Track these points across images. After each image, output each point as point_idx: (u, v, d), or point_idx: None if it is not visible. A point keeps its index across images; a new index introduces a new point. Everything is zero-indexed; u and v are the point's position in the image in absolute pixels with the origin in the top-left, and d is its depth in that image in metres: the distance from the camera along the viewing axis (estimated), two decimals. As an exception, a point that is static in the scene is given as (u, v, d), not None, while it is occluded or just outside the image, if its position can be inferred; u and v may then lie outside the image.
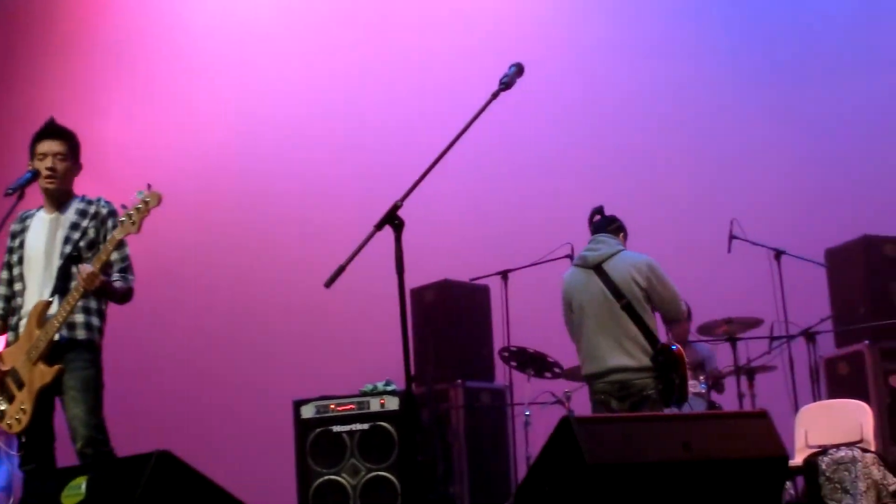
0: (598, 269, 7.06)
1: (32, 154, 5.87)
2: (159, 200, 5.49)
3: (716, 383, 8.63)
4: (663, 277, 7.08)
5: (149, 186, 5.51)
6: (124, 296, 5.81)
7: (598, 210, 7.42)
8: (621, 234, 7.34)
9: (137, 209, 5.48)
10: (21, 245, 5.86)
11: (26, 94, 10.80)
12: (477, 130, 4.70)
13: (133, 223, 5.49)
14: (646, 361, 6.88)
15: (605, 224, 7.34)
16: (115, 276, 5.71)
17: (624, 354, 6.92)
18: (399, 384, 7.21)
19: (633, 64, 10.39)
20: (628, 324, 6.94)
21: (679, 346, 6.96)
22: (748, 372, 8.32)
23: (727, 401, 8.58)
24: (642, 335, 6.92)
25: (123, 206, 5.53)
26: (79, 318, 5.65)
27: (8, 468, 8.23)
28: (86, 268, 5.52)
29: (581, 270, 7.16)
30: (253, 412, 9.62)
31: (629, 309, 6.94)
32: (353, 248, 4.39)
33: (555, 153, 10.25)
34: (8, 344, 5.81)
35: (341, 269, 4.37)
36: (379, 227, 4.43)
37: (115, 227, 5.80)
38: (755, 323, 8.38)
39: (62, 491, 4.87)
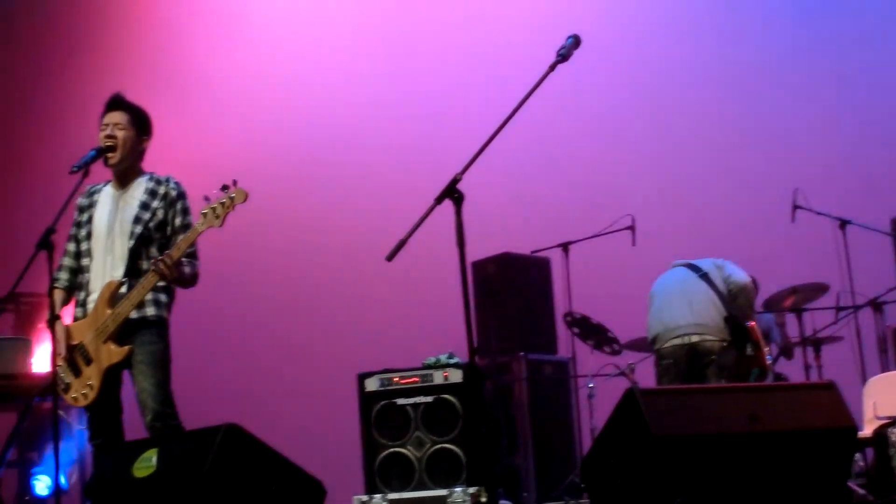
0: (682, 263, 7.56)
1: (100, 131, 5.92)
2: (245, 197, 5.50)
3: (785, 351, 8.57)
4: (735, 265, 7.44)
5: (234, 182, 5.53)
6: (191, 281, 5.84)
7: None
8: None
9: (222, 204, 5.50)
10: (89, 220, 5.88)
11: (91, 85, 10.87)
12: (536, 101, 4.68)
13: (217, 217, 5.51)
14: (721, 324, 7.02)
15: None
16: (183, 261, 5.71)
17: (696, 314, 7.10)
18: (462, 357, 7.23)
19: (693, 34, 10.29)
20: (705, 289, 7.18)
21: (752, 323, 7.16)
22: (815, 343, 8.25)
23: (794, 372, 8.52)
24: (719, 300, 7.10)
25: (206, 199, 5.54)
26: (147, 295, 5.67)
27: (76, 442, 8.34)
28: (168, 258, 5.55)
29: (668, 271, 7.66)
30: (318, 385, 9.68)
31: (706, 279, 7.20)
32: (414, 222, 4.40)
33: (615, 125, 10.19)
34: (75, 318, 5.86)
35: (402, 243, 4.37)
36: (439, 200, 4.43)
37: (184, 209, 5.86)
38: (821, 289, 8.30)
39: (133, 464, 4.94)
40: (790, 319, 8.46)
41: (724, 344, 7.05)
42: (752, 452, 4.56)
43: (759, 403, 4.69)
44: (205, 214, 5.53)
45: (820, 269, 8.44)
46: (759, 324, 8.73)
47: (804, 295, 8.32)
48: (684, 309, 7.22)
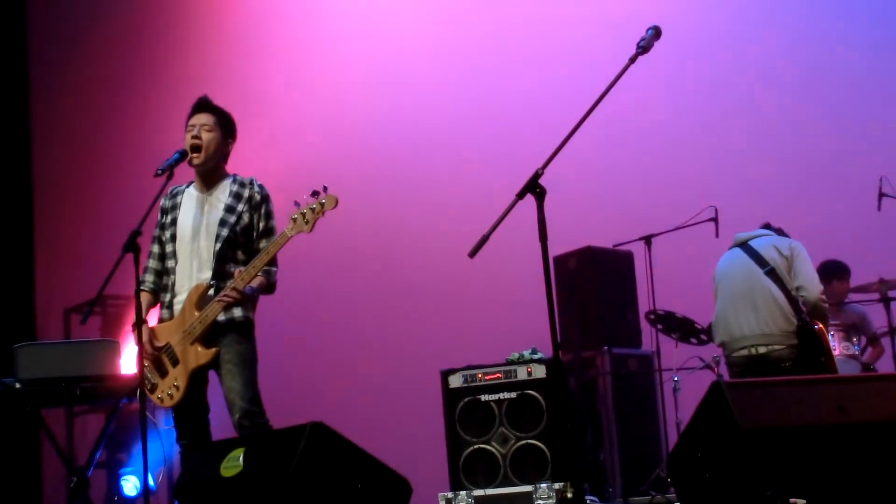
0: (744, 245, 7.21)
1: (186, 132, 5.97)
2: (336, 204, 5.55)
3: (872, 342, 8.48)
4: (806, 257, 7.07)
5: (325, 188, 5.57)
6: (264, 291, 5.87)
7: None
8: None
9: (312, 209, 5.55)
10: (173, 222, 5.93)
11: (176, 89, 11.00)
12: (617, 94, 4.65)
13: (307, 222, 5.56)
14: (788, 328, 6.78)
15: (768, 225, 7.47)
16: (263, 270, 5.74)
17: (762, 321, 6.84)
18: (545, 352, 7.21)
19: (770, 25, 10.17)
20: (772, 289, 6.88)
21: (821, 326, 6.85)
22: (901, 333, 8.15)
23: (882, 363, 8.42)
24: (787, 301, 6.82)
25: (296, 204, 5.59)
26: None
27: (164, 443, 8.44)
28: (237, 281, 5.61)
29: (730, 251, 7.34)
30: (402, 382, 9.71)
31: (773, 275, 6.90)
32: (496, 218, 4.40)
33: (696, 116, 10.10)
34: (160, 320, 5.93)
35: (485, 239, 4.37)
36: (521, 195, 4.43)
37: (268, 213, 5.91)
38: (910, 279, 8.21)
39: (220, 463, 4.99)
40: (877, 309, 8.35)
41: (795, 350, 6.82)
42: (841, 444, 4.50)
43: (847, 394, 4.63)
44: (294, 220, 5.58)
45: (908, 258, 8.34)
46: (848, 315, 8.66)
47: (892, 285, 8.21)
48: (749, 315, 6.95)
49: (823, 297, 7.01)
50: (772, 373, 6.73)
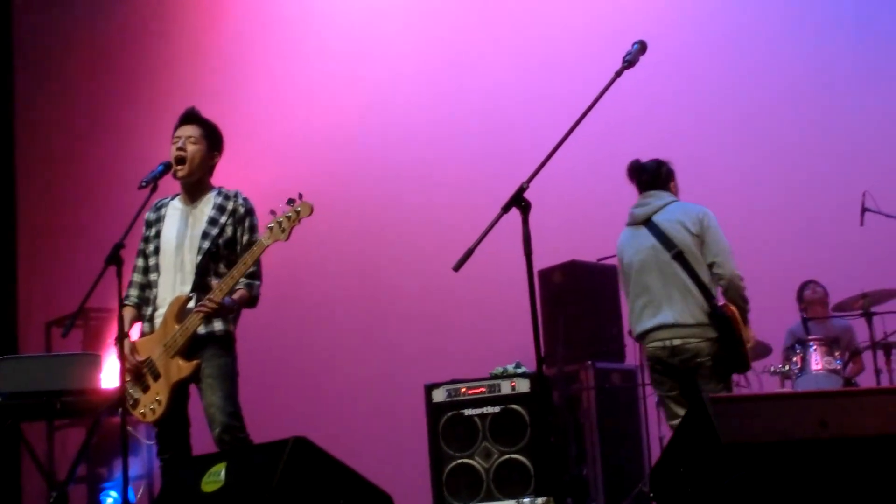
0: (647, 223, 6.56)
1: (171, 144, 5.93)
2: (311, 211, 5.54)
3: (853, 358, 8.50)
4: (717, 227, 6.43)
5: (300, 196, 5.56)
6: (247, 305, 5.85)
7: (636, 163, 6.86)
8: (672, 184, 6.81)
9: (288, 217, 5.54)
10: (157, 235, 5.91)
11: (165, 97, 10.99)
12: (602, 108, 4.66)
13: (283, 230, 5.54)
14: (701, 318, 6.27)
15: (651, 179, 6.76)
16: (242, 281, 5.72)
17: (674, 310, 6.31)
18: (529, 366, 7.21)
19: (761, 36, 10.20)
20: (681, 275, 6.34)
21: (732, 309, 6.27)
22: (885, 347, 8.16)
23: (864, 377, 8.43)
24: (696, 287, 6.30)
25: (272, 213, 5.58)
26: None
27: (145, 457, 8.41)
28: (210, 301, 5.59)
29: (631, 229, 6.70)
30: (385, 397, 9.70)
31: (680, 258, 6.35)
32: (481, 232, 4.40)
33: (680, 130, 10.11)
34: (142, 334, 5.89)
35: (469, 253, 4.37)
36: (506, 209, 4.44)
37: (252, 226, 5.88)
38: (891, 294, 8.22)
39: (201, 478, 4.97)
40: (860, 324, 8.38)
41: (712, 342, 6.24)
42: (822, 459, 4.50)
43: (829, 409, 4.63)
44: (271, 228, 5.56)
45: (890, 274, 8.34)
46: (830, 329, 8.68)
47: (874, 300, 8.23)
48: (662, 306, 6.37)
49: (739, 272, 6.35)
50: (689, 368, 6.31)
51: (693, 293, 6.31)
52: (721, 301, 6.36)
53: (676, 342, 6.30)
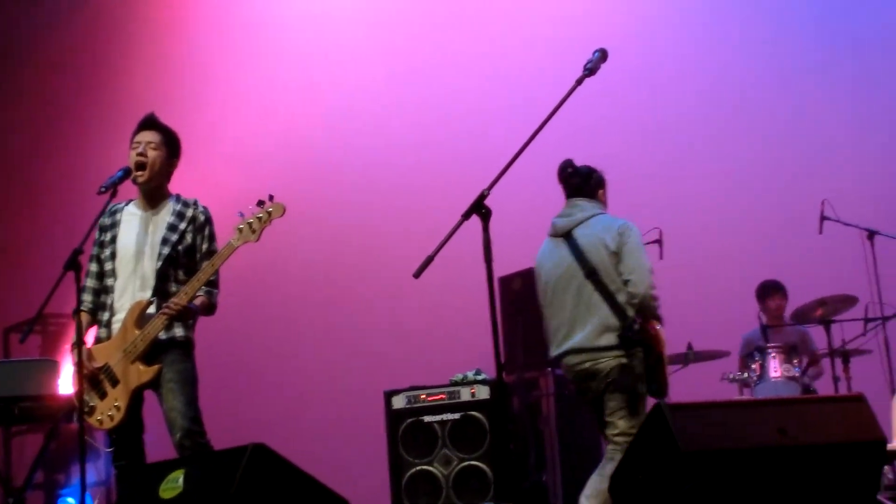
0: (567, 236, 6.29)
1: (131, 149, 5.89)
2: (283, 212, 5.55)
3: (813, 364, 8.54)
4: (636, 243, 6.14)
5: (271, 197, 5.55)
6: (205, 312, 5.84)
7: (569, 164, 6.55)
8: (600, 192, 6.52)
9: (259, 218, 5.53)
10: (113, 240, 5.86)
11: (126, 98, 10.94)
12: (563, 115, 4.67)
13: (253, 231, 5.54)
14: (612, 340, 5.97)
15: (581, 185, 6.48)
16: (202, 289, 5.70)
17: (587, 335, 6.04)
18: (489, 373, 7.21)
19: (722, 45, 10.26)
20: (593, 296, 6.05)
21: (656, 328, 5.99)
22: (843, 355, 8.21)
23: (822, 385, 8.48)
24: (609, 308, 6.00)
25: (241, 214, 5.57)
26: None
27: (103, 464, 8.35)
28: (175, 304, 5.56)
29: (551, 241, 6.44)
30: (345, 403, 9.68)
31: (594, 277, 6.06)
32: (441, 239, 4.39)
33: (639, 138, 10.16)
34: (98, 340, 5.85)
35: (430, 260, 4.36)
36: (466, 216, 4.43)
37: (211, 235, 5.87)
38: (850, 301, 8.27)
39: (160, 484, 4.94)
40: (818, 332, 8.43)
41: (623, 361, 5.97)
42: (781, 466, 4.53)
43: (787, 417, 4.65)
44: (241, 230, 5.55)
45: (848, 281, 8.40)
46: (788, 336, 8.73)
47: (832, 307, 8.29)
48: (575, 327, 6.12)
49: (654, 291, 6.01)
50: (601, 386, 6.03)
51: (605, 314, 6.02)
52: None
53: (587, 365, 6.05)
